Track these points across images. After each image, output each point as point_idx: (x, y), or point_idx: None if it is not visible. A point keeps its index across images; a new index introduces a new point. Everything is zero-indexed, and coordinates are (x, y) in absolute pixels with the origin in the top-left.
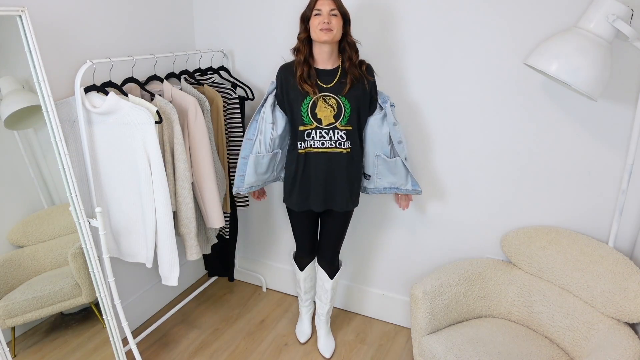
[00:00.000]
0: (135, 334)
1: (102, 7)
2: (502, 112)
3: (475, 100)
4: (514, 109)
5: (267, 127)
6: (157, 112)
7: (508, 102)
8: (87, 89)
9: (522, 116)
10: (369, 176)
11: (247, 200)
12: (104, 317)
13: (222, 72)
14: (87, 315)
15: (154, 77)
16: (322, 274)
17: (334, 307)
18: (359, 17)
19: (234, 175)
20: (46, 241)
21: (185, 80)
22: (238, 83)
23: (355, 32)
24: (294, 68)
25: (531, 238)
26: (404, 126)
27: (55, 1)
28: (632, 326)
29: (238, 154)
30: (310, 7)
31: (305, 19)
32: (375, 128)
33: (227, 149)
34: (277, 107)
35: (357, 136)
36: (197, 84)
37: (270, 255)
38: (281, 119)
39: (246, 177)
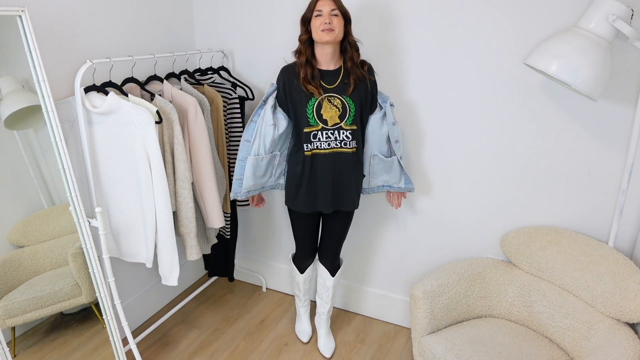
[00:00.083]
0: (135, 334)
1: (102, 7)
2: (502, 112)
3: (475, 100)
4: (514, 109)
5: (267, 129)
6: (157, 112)
7: (508, 102)
8: (87, 89)
9: (522, 116)
10: (364, 175)
11: (248, 200)
12: (104, 317)
13: (222, 72)
14: (87, 315)
15: (154, 77)
16: (323, 272)
17: (334, 307)
18: (359, 17)
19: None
20: (46, 241)
21: (185, 80)
22: (238, 83)
23: (355, 32)
24: (297, 70)
25: (531, 238)
26: (404, 126)
27: (55, 1)
28: (632, 326)
29: None
30: (311, 9)
31: (305, 21)
32: (375, 127)
33: (227, 149)
34: (278, 108)
35: (360, 135)
36: (197, 84)
37: (270, 255)
38: (283, 120)
39: (244, 181)
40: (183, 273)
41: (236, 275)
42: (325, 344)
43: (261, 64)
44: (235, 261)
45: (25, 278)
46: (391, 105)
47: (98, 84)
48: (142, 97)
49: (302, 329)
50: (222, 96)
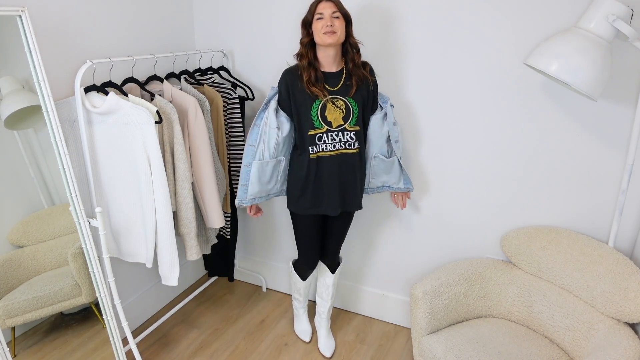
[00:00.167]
0: (135, 334)
1: (102, 7)
2: (502, 112)
3: (475, 100)
4: (514, 109)
5: (271, 132)
6: (157, 112)
7: (508, 102)
8: (87, 89)
9: (522, 116)
10: (366, 175)
11: None
12: (104, 317)
13: (222, 72)
14: (87, 315)
15: (154, 77)
16: (324, 270)
17: (334, 307)
18: (359, 18)
19: (234, 176)
20: (46, 241)
21: (185, 80)
22: (238, 83)
23: (355, 33)
24: (300, 72)
25: (531, 238)
26: (404, 126)
27: (55, 1)
28: (632, 326)
29: (238, 154)
30: (312, 12)
31: (306, 24)
32: (376, 127)
33: (227, 149)
34: (281, 111)
35: (363, 135)
36: (197, 84)
37: (270, 255)
38: (286, 123)
39: (250, 187)
40: (183, 273)
41: (236, 275)
42: (326, 343)
43: (261, 64)
44: (235, 261)
45: (25, 278)
46: (391, 105)
47: (98, 84)
48: (142, 97)
49: (303, 329)
50: (222, 96)
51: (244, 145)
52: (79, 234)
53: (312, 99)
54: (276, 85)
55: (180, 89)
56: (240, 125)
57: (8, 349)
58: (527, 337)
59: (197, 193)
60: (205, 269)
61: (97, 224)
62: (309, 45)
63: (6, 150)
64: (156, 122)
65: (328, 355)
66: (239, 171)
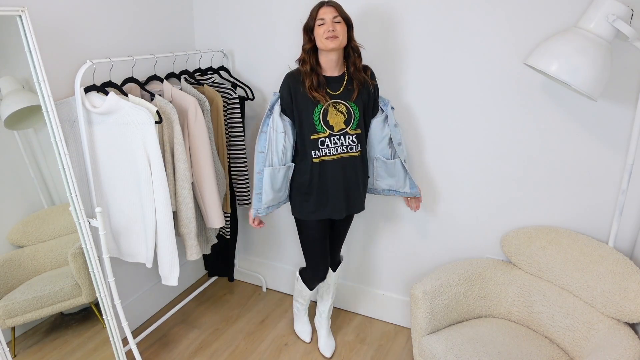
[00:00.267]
0: (135, 334)
1: (102, 7)
2: (502, 113)
3: (475, 100)
4: (514, 109)
5: (279, 137)
6: (157, 112)
7: (508, 102)
8: (87, 89)
9: (522, 116)
10: (368, 177)
11: (249, 198)
12: (104, 317)
13: (222, 72)
14: (87, 315)
15: (154, 77)
16: None
17: (334, 307)
18: (360, 20)
19: (234, 176)
20: (46, 241)
21: (185, 80)
22: (238, 83)
23: (356, 36)
24: (302, 77)
25: (531, 238)
26: (405, 128)
27: (55, 1)
28: (632, 326)
29: (238, 154)
30: (313, 17)
31: (308, 30)
32: (377, 130)
33: (227, 149)
34: (284, 116)
35: (364, 138)
36: (197, 84)
37: (270, 255)
38: (290, 127)
39: (264, 195)
40: (183, 273)
41: (236, 275)
42: (326, 343)
43: (261, 64)
44: (235, 261)
45: (25, 278)
46: (392, 108)
47: (98, 84)
48: (142, 97)
49: (304, 329)
50: (222, 96)
51: (244, 145)
52: (79, 234)
53: (314, 103)
54: (277, 90)
55: (180, 89)
56: (240, 125)
57: (8, 349)
58: (527, 337)
59: (197, 193)
60: (205, 269)
61: (97, 224)
62: (311, 51)
63: (6, 150)
64: (156, 122)
65: (328, 355)
66: (239, 171)
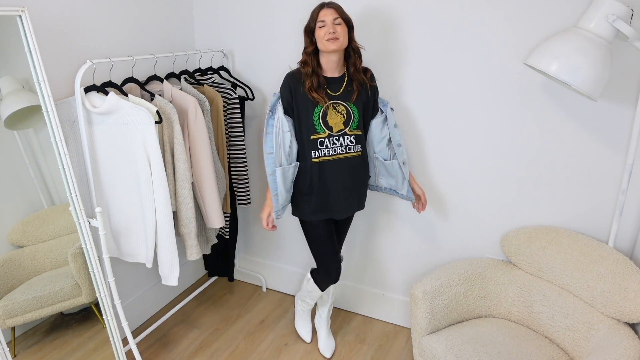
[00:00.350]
0: (135, 334)
1: (102, 7)
2: (502, 113)
3: (476, 100)
4: (514, 110)
5: (285, 136)
6: (157, 112)
7: (508, 102)
8: (87, 89)
9: (522, 116)
10: (369, 176)
11: (249, 198)
12: (104, 317)
13: (222, 72)
14: (87, 315)
15: (154, 77)
16: None
17: (334, 307)
18: (360, 21)
19: (234, 176)
20: (46, 241)
21: (185, 80)
22: (238, 83)
23: (356, 37)
24: (302, 78)
25: (531, 238)
26: (405, 128)
27: (55, 1)
28: (632, 326)
29: (238, 154)
30: (314, 19)
31: (309, 32)
32: (376, 131)
33: (227, 149)
34: (286, 116)
35: (364, 139)
36: (197, 84)
37: (270, 255)
38: (293, 127)
39: (279, 196)
40: (183, 273)
41: (236, 275)
42: (326, 344)
43: (261, 64)
44: (235, 261)
45: (25, 278)
46: (391, 109)
47: (98, 84)
48: (142, 97)
49: (307, 329)
50: (222, 96)
51: (244, 145)
52: (79, 234)
53: (314, 103)
54: (277, 90)
55: (180, 89)
56: (240, 125)
57: (8, 349)
58: (527, 337)
59: (197, 193)
60: (205, 269)
61: (97, 224)
62: (312, 53)
63: (6, 150)
64: (156, 122)
65: (328, 355)
66: (239, 171)
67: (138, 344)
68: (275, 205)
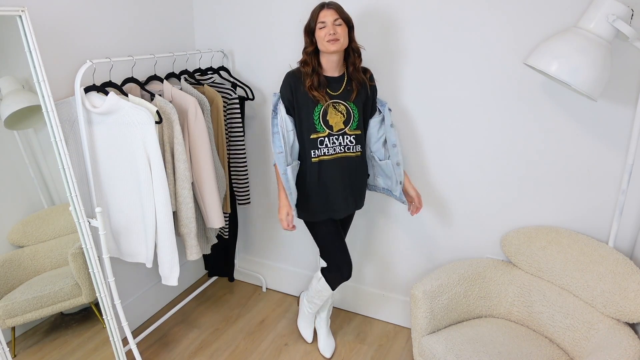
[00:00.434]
0: (135, 334)
1: (102, 7)
2: (502, 113)
3: (476, 100)
4: (514, 110)
5: (289, 134)
6: (157, 112)
7: (508, 102)
8: (87, 89)
9: (522, 116)
10: (368, 175)
11: (249, 198)
12: (104, 317)
13: (222, 72)
14: (87, 315)
15: (154, 77)
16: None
17: (334, 307)
18: (361, 22)
19: (233, 176)
20: (46, 241)
21: (185, 80)
22: (238, 83)
23: (356, 37)
24: (302, 78)
25: (531, 238)
26: (405, 128)
27: (55, 1)
28: (632, 326)
29: (238, 154)
30: (314, 20)
31: (309, 32)
32: (373, 130)
33: (227, 149)
34: (289, 115)
35: (364, 139)
36: (197, 84)
37: (270, 255)
38: (295, 126)
39: (293, 195)
40: (183, 273)
41: (236, 275)
42: (326, 344)
43: (261, 64)
44: (235, 261)
45: (25, 278)
46: (389, 109)
47: (98, 84)
48: (142, 97)
49: (310, 330)
50: (222, 96)
51: (244, 145)
52: (79, 234)
53: (314, 102)
54: (277, 90)
55: (180, 89)
56: (240, 125)
57: (8, 349)
58: (527, 337)
59: (197, 193)
60: (205, 269)
61: (97, 224)
62: (312, 53)
63: (6, 150)
64: (156, 122)
65: (328, 355)
66: (238, 171)
67: (138, 344)
68: (292, 203)
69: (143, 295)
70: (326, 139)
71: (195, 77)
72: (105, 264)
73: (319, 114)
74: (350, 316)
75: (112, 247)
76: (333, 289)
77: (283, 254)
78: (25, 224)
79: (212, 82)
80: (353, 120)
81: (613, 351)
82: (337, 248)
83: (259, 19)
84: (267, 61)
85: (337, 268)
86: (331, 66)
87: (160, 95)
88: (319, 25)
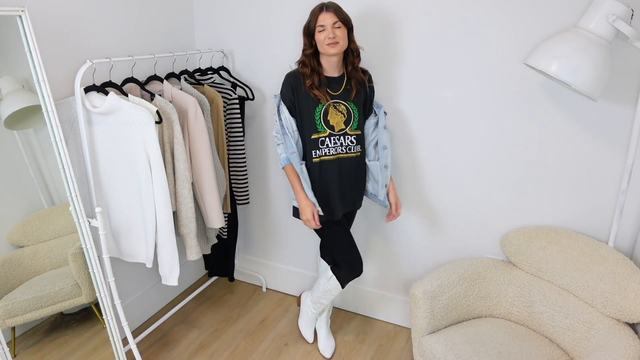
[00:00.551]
0: (135, 334)
1: (102, 7)
2: (502, 113)
3: (475, 100)
4: (514, 110)
5: (294, 134)
6: (157, 112)
7: (508, 102)
8: (87, 89)
9: (522, 116)
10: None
11: (248, 198)
12: (104, 317)
13: (222, 72)
14: (87, 315)
15: (154, 77)
16: (325, 267)
17: (334, 307)
18: (360, 22)
19: (233, 176)
20: (46, 241)
21: (185, 80)
22: (238, 83)
23: (355, 37)
24: (302, 78)
25: (531, 238)
26: (404, 127)
27: (55, 1)
28: (632, 326)
29: (238, 154)
30: (313, 22)
31: (309, 34)
32: (368, 132)
33: (227, 149)
34: (291, 115)
35: (363, 139)
36: (197, 84)
37: (270, 255)
38: (297, 126)
39: (307, 189)
40: (183, 273)
41: (236, 275)
42: (326, 344)
43: (261, 64)
44: (235, 261)
45: (25, 278)
46: (384, 112)
47: (98, 84)
48: (142, 97)
49: (312, 331)
50: (222, 96)
51: (243, 145)
52: (79, 234)
53: (315, 102)
54: (277, 90)
55: (180, 89)
56: (240, 125)
57: (8, 349)
58: (527, 337)
59: (197, 193)
60: (205, 269)
61: (97, 224)
62: (311, 54)
63: (6, 150)
64: (156, 122)
65: (328, 355)
66: (238, 171)
67: (138, 344)
68: (312, 198)
69: (143, 295)
70: (327, 139)
71: (195, 77)
72: (105, 264)
73: (320, 114)
74: (350, 316)
75: (112, 247)
76: (343, 286)
77: (283, 254)
78: (25, 224)
79: (212, 82)
80: (353, 120)
81: (613, 351)
82: (346, 245)
83: (259, 19)
84: (267, 61)
85: (348, 265)
86: (331, 66)
87: (160, 95)
88: (318, 29)
